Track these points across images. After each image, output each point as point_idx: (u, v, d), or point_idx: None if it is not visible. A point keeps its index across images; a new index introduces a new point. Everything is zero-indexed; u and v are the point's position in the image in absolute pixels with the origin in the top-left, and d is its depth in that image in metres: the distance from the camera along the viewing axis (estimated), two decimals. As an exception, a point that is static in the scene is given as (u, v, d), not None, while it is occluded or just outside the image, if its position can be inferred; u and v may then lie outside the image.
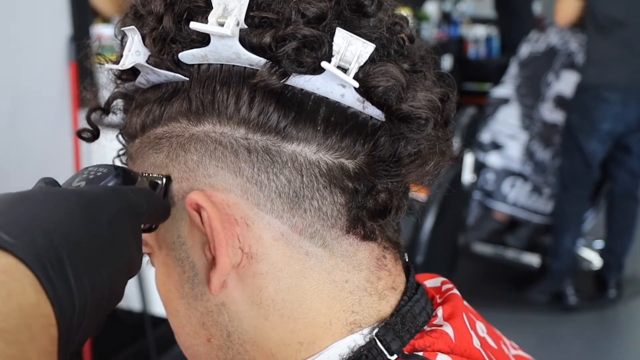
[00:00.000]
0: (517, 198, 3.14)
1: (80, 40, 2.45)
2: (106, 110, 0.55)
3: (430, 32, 5.55)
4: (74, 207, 0.41)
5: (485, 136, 3.24)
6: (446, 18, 6.11)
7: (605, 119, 2.77)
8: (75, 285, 0.38)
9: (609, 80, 2.76)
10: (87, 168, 0.49)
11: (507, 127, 3.17)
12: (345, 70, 0.46)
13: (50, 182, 0.45)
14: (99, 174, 0.48)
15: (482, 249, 3.33)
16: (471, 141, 2.83)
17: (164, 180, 0.50)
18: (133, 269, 0.45)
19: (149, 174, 0.50)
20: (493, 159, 3.20)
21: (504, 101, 3.26)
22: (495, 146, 3.21)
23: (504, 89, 3.32)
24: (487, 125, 3.25)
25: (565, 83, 3.08)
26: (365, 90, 0.47)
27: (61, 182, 0.48)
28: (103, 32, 2.73)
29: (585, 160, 2.86)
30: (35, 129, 2.36)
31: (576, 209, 2.98)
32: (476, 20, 6.08)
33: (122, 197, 0.45)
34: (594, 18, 2.80)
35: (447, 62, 5.41)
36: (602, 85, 2.77)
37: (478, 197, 3.25)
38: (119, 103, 0.55)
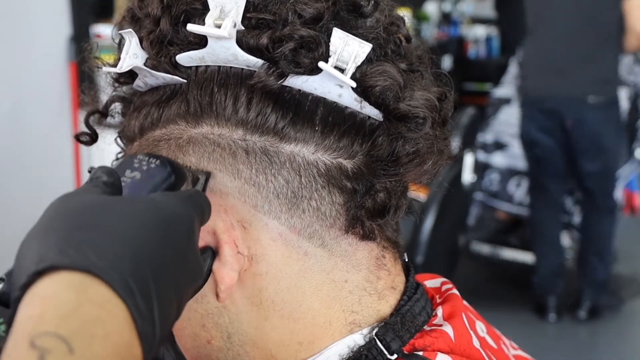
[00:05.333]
0: (523, 197, 3.12)
1: (80, 40, 2.45)
2: (104, 113, 0.55)
3: (430, 32, 5.55)
4: (155, 224, 0.40)
5: (488, 137, 3.21)
6: (446, 18, 6.11)
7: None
8: (158, 315, 0.37)
9: (523, 92, 2.79)
10: (137, 156, 0.48)
11: (509, 126, 3.15)
12: (342, 71, 0.47)
13: (107, 173, 0.44)
14: (152, 165, 0.47)
15: (483, 249, 3.31)
16: (471, 141, 2.83)
17: (205, 176, 0.48)
18: (200, 281, 0.45)
19: (191, 169, 0.49)
20: (497, 159, 3.18)
21: (506, 101, 3.25)
22: (499, 146, 3.19)
23: (505, 89, 3.31)
24: (489, 125, 3.23)
25: None
26: (363, 90, 0.47)
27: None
28: (103, 32, 2.73)
29: (531, 164, 2.87)
30: (35, 129, 2.37)
31: (542, 220, 2.92)
32: (476, 20, 6.08)
33: (196, 209, 0.44)
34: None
35: (447, 62, 5.41)
36: (522, 98, 2.80)
37: (481, 198, 3.23)
38: (117, 106, 0.55)
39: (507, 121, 3.18)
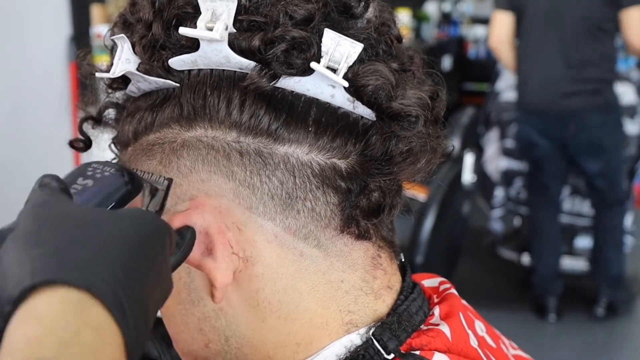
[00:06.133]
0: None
1: (80, 40, 2.45)
2: (98, 119, 0.55)
3: (430, 32, 5.55)
4: (139, 242, 0.40)
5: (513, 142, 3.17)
6: (446, 18, 6.11)
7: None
8: (142, 333, 0.37)
9: (523, 104, 2.78)
10: (90, 164, 0.47)
11: None
12: (334, 71, 0.47)
13: (56, 180, 0.43)
14: (106, 173, 0.46)
15: (511, 255, 3.30)
16: (471, 141, 2.82)
17: (166, 183, 0.48)
18: (169, 294, 0.44)
19: (150, 177, 0.49)
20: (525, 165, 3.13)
21: None
22: None
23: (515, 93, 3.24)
24: (513, 131, 3.12)
25: None
26: (355, 89, 0.47)
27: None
28: (103, 32, 2.73)
29: (530, 165, 2.86)
30: (35, 129, 2.37)
31: (542, 222, 2.91)
32: (476, 20, 6.08)
33: (168, 227, 0.44)
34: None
35: (447, 62, 5.41)
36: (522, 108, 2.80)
37: (509, 207, 3.19)
38: (110, 112, 0.55)
39: None
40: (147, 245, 0.40)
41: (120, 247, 0.38)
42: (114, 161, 0.57)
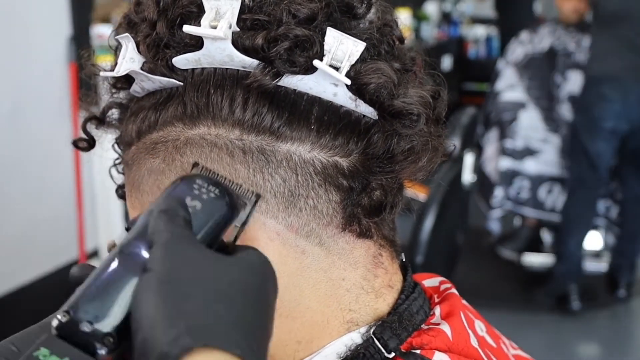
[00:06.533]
0: (555, 203, 3.08)
1: (80, 40, 2.45)
2: (102, 119, 0.56)
3: (430, 32, 5.55)
4: (262, 295, 0.41)
5: (518, 143, 3.12)
6: (446, 18, 6.12)
7: (606, 117, 2.74)
8: None
9: (608, 72, 2.74)
10: (195, 180, 0.45)
11: (536, 131, 3.10)
12: (337, 69, 0.47)
13: (182, 207, 0.43)
14: (211, 195, 0.44)
15: (512, 255, 3.31)
16: (471, 141, 2.82)
17: (254, 199, 0.47)
18: None
19: (239, 189, 0.47)
20: (528, 166, 3.10)
21: (520, 105, 3.19)
22: (530, 152, 3.12)
23: (516, 93, 3.24)
24: (513, 131, 3.12)
25: (574, 83, 3.04)
26: (357, 87, 0.48)
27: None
28: (103, 32, 2.72)
29: (591, 161, 2.82)
30: (34, 129, 2.37)
31: (583, 213, 2.94)
32: (476, 20, 6.09)
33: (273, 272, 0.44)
34: (597, 14, 2.80)
35: (447, 62, 5.42)
36: (603, 78, 2.75)
37: (509, 207, 3.19)
38: (114, 113, 0.56)
39: (532, 125, 3.11)
40: (269, 299, 0.42)
41: (253, 306, 0.39)
42: (117, 161, 0.57)
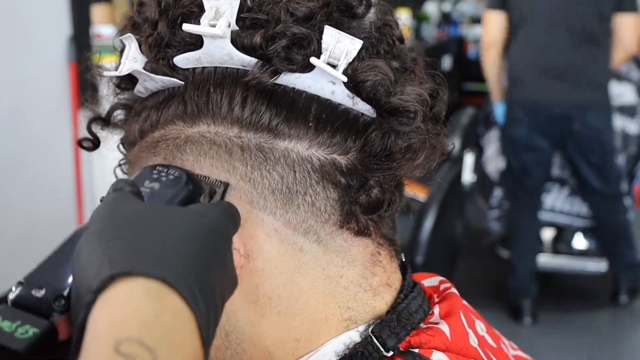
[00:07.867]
0: (555, 204, 3.08)
1: (80, 40, 2.45)
2: (107, 120, 0.56)
3: (430, 32, 5.55)
4: (205, 236, 0.42)
5: None
6: (446, 18, 6.12)
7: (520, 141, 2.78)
8: (212, 324, 0.39)
9: (516, 97, 2.75)
10: (155, 167, 0.49)
11: None
12: (334, 67, 0.47)
13: (128, 184, 0.45)
14: (170, 177, 0.48)
15: (507, 253, 3.30)
16: (471, 141, 2.82)
17: (223, 187, 0.49)
18: (235, 289, 0.46)
19: (207, 180, 0.50)
20: None
21: None
22: None
23: None
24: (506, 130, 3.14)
25: None
26: (354, 85, 0.48)
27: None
28: (103, 32, 2.73)
29: (515, 175, 2.85)
30: (34, 129, 2.37)
31: (520, 225, 2.91)
32: (476, 20, 6.09)
33: (231, 220, 0.46)
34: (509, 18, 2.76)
35: (447, 62, 5.42)
36: (513, 102, 2.77)
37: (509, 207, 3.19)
38: (119, 114, 0.56)
39: None
40: (212, 239, 0.42)
41: (189, 242, 0.40)
42: (122, 162, 0.58)
